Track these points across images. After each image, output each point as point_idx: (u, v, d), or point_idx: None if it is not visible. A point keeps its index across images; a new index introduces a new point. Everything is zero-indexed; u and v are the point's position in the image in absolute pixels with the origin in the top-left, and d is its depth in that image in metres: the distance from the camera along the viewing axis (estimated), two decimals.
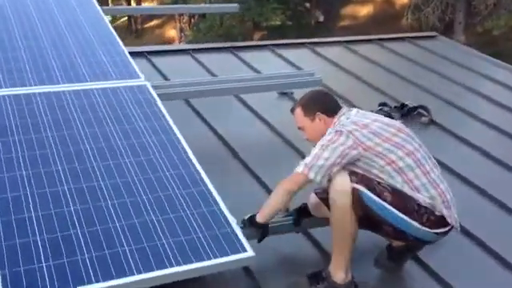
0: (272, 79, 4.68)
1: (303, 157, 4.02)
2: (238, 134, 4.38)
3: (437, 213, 2.71)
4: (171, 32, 27.62)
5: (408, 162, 2.71)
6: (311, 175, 2.72)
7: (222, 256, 2.68)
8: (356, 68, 5.94)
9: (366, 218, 2.72)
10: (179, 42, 24.94)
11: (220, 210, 2.95)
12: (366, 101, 5.12)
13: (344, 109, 2.94)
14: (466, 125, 4.91)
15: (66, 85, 3.85)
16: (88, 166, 3.11)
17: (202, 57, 5.83)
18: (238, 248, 2.73)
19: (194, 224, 2.83)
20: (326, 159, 2.70)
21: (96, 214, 2.79)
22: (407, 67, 6.09)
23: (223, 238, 2.78)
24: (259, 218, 2.86)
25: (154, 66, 5.52)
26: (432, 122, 4.91)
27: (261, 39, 20.61)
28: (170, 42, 25.98)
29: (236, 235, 2.80)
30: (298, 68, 5.70)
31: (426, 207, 2.70)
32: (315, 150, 2.75)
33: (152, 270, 2.55)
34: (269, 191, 3.67)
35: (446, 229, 2.77)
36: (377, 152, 2.71)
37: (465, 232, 3.30)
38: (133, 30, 27.84)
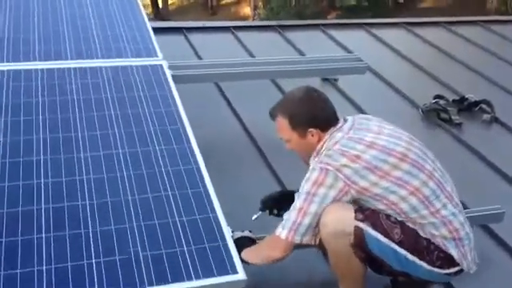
0: (313, 63, 4.16)
1: None
2: (266, 124, 3.88)
3: (445, 249, 2.17)
4: (246, 10, 27.22)
5: (413, 204, 2.13)
6: (297, 239, 2.19)
7: (206, 276, 2.23)
8: (415, 53, 5.29)
9: (367, 259, 2.19)
10: (252, 20, 24.54)
11: (215, 217, 2.49)
12: (421, 91, 4.53)
13: (340, 121, 2.29)
14: None
15: (74, 61, 3.47)
16: (74, 158, 2.73)
17: (245, 35, 5.34)
18: (228, 268, 2.28)
19: (181, 234, 2.39)
20: (313, 215, 2.15)
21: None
22: (475, 55, 5.37)
23: (212, 253, 2.32)
24: (243, 256, 2.37)
25: (189, 43, 5.10)
26: (495, 119, 4.26)
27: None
28: (244, 19, 25.61)
29: (228, 251, 2.34)
30: (349, 51, 5.12)
31: (434, 243, 2.16)
32: (299, 202, 2.17)
33: None
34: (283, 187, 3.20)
35: (459, 268, 2.21)
36: (373, 194, 2.14)
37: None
38: (209, 6, 27.60)
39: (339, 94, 4.45)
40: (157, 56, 3.66)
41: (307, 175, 2.18)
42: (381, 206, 2.13)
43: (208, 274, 2.23)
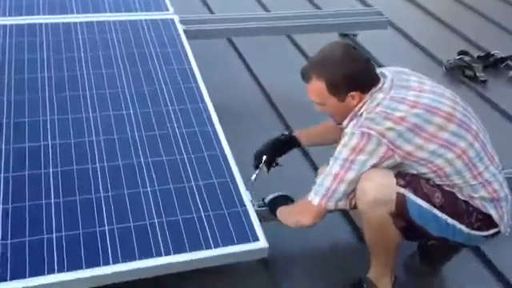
0: (331, 17, 3.94)
1: None
2: (282, 82, 3.70)
3: (484, 211, 2.01)
4: None
5: (458, 167, 1.95)
6: (330, 205, 2.01)
7: (225, 244, 2.10)
8: (438, 7, 5.02)
9: (405, 227, 2.03)
10: None
11: (234, 182, 2.34)
12: (444, 48, 4.30)
13: (380, 80, 2.04)
14: None
15: (80, 15, 3.29)
16: (83, 118, 2.57)
17: None
18: (248, 236, 2.14)
19: (198, 199, 2.24)
20: (350, 183, 1.97)
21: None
22: (502, 9, 5.10)
23: (231, 220, 2.18)
24: (278, 214, 2.24)
25: None
26: None
27: None
28: None
29: (248, 218, 2.20)
30: (367, 5, 4.88)
31: (473, 206, 2.00)
32: (335, 167, 1.98)
33: (132, 258, 2.00)
34: (304, 153, 3.04)
35: (496, 230, 2.05)
36: (418, 158, 1.95)
37: None
38: None
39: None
40: (167, 10, 3.47)
41: (345, 140, 1.98)
42: (424, 170, 1.97)
43: (228, 241, 2.10)
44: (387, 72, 2.08)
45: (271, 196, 2.32)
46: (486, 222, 2.01)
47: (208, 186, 2.30)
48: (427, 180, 1.98)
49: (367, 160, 1.94)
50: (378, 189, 1.93)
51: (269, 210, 2.28)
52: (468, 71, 4.02)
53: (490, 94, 3.80)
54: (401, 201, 1.94)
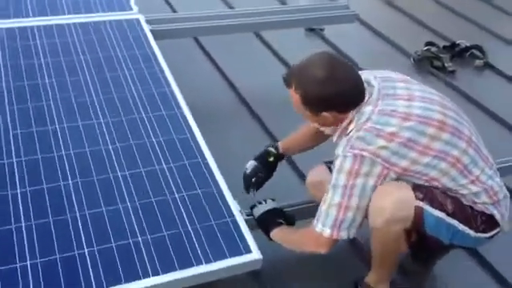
0: (298, 13, 3.83)
1: None
2: (254, 80, 3.58)
3: (487, 212, 1.94)
4: None
5: (453, 176, 1.88)
6: (343, 235, 1.91)
7: (217, 259, 1.96)
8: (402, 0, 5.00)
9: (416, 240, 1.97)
10: None
11: (219, 191, 2.21)
12: (411, 39, 4.27)
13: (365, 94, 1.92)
14: None
15: (37, 18, 3.07)
16: (49, 131, 2.38)
17: None
18: (240, 248, 2.01)
19: (183, 211, 2.10)
20: (355, 209, 1.87)
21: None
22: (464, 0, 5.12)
23: (220, 232, 2.05)
24: (273, 237, 2.13)
25: None
26: (487, 65, 4.06)
27: None
28: None
29: (239, 229, 2.07)
30: None
31: (477, 210, 1.94)
32: (336, 197, 1.86)
33: (117, 282, 1.84)
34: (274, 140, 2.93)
35: (498, 229, 1.99)
36: (414, 172, 1.87)
37: None
38: None
39: (326, 45, 4.15)
40: (131, 9, 3.29)
41: (338, 164, 1.87)
42: (420, 183, 1.89)
43: (219, 256, 1.96)
44: (373, 80, 1.95)
45: (260, 210, 2.18)
46: (490, 222, 1.95)
47: (193, 197, 2.16)
48: (437, 188, 1.90)
49: (366, 182, 1.84)
50: (397, 205, 1.84)
51: (259, 227, 2.15)
52: (436, 62, 4.00)
53: (459, 84, 3.79)
54: (418, 214, 1.85)
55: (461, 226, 1.89)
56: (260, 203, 2.21)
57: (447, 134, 1.86)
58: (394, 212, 1.84)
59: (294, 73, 1.93)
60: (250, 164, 2.31)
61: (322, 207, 1.93)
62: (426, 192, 1.87)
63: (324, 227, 1.91)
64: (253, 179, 2.27)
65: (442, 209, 1.87)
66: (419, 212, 1.85)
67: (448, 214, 1.87)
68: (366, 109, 1.87)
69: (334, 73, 1.85)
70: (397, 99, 1.89)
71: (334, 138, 1.98)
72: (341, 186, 1.86)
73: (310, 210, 2.28)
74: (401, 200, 1.84)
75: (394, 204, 1.83)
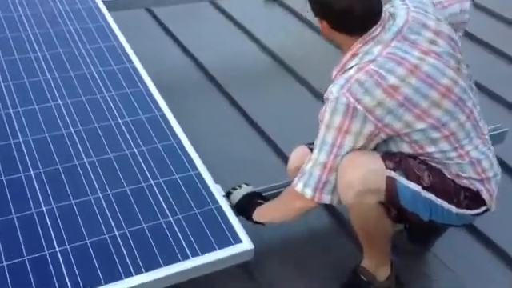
0: None
1: (300, 82, 3.16)
2: (215, 51, 3.36)
3: (473, 188, 1.81)
4: None
5: (443, 148, 1.74)
6: (326, 199, 1.77)
7: (205, 252, 1.78)
8: None
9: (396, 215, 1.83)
10: None
11: (199, 175, 2.02)
12: None
13: (377, 26, 1.70)
14: None
15: None
16: (2, 116, 2.11)
17: None
18: (229, 238, 1.83)
19: (162, 201, 1.90)
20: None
21: None
22: None
23: (205, 222, 1.86)
24: (256, 217, 1.95)
25: None
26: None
27: None
28: None
29: (225, 217, 1.90)
30: None
31: (460, 184, 1.80)
32: (322, 155, 1.72)
33: (96, 284, 1.64)
34: (255, 127, 2.75)
35: (485, 207, 1.87)
36: (403, 135, 1.72)
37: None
38: None
39: (288, 12, 3.96)
40: None
41: (330, 106, 1.68)
42: (405, 149, 1.75)
43: (207, 248, 1.78)
44: (403, 12, 1.76)
45: (237, 196, 2.01)
46: (475, 199, 1.81)
47: (171, 184, 1.95)
48: (414, 158, 1.76)
49: (355, 142, 1.69)
50: (366, 175, 1.69)
51: (239, 213, 1.96)
52: None
53: None
54: (390, 185, 1.71)
55: (438, 201, 1.75)
56: (234, 189, 2.04)
57: (450, 102, 1.72)
58: (364, 183, 1.69)
59: None
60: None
61: (306, 166, 1.76)
62: (399, 162, 1.73)
63: (305, 187, 1.76)
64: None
65: (417, 181, 1.73)
66: (391, 183, 1.71)
67: (424, 188, 1.73)
68: (375, 48, 1.69)
69: None
70: (413, 48, 1.70)
71: (334, 73, 1.79)
72: (328, 143, 1.70)
73: None
74: (370, 170, 1.70)
75: (362, 175, 1.69)
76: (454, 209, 1.79)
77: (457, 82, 1.75)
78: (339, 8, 1.69)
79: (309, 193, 1.76)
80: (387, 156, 1.74)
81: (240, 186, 2.04)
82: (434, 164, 1.77)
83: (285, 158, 2.39)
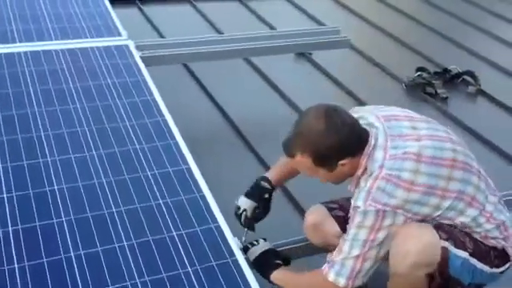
0: (288, 38, 3.78)
1: None
2: (245, 107, 3.52)
3: (499, 247, 1.90)
4: None
5: (473, 214, 1.84)
6: (358, 283, 1.85)
7: None
8: (389, 23, 4.98)
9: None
10: None
11: (218, 228, 2.12)
12: (402, 64, 4.25)
13: (370, 137, 1.82)
14: None
15: (24, 44, 2.98)
16: (41, 164, 2.28)
17: (205, 7, 4.89)
18: None
19: (182, 252, 2.01)
20: (374, 259, 1.82)
21: None
22: (453, 25, 5.12)
23: (222, 274, 1.96)
24: (275, 281, 2.01)
25: (146, 18, 4.61)
26: (480, 91, 4.03)
27: None
28: None
29: (241, 270, 1.99)
30: (320, 23, 4.78)
31: (489, 245, 1.89)
32: (355, 250, 1.80)
33: None
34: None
35: (509, 264, 1.95)
36: (434, 217, 1.82)
37: None
38: None
39: (315, 69, 4.11)
40: (120, 35, 3.21)
41: (358, 219, 1.79)
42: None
43: None
44: (376, 121, 1.87)
45: (255, 252, 2.07)
46: (502, 256, 1.90)
47: (191, 236, 2.07)
48: (455, 227, 1.84)
49: (388, 233, 1.78)
50: (424, 249, 1.77)
51: (256, 270, 2.04)
52: (429, 88, 3.98)
53: (452, 111, 3.77)
54: (444, 256, 1.78)
55: (479, 265, 1.84)
56: (252, 244, 2.11)
57: (460, 170, 1.81)
58: (420, 256, 1.77)
59: (295, 139, 1.83)
60: (245, 202, 2.16)
61: (337, 257, 1.84)
62: (448, 231, 1.82)
63: (338, 277, 1.84)
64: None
65: (464, 248, 1.81)
66: (444, 253, 1.79)
67: (470, 254, 1.82)
68: (377, 154, 1.80)
69: (333, 120, 1.79)
70: (406, 140, 1.82)
71: (351, 188, 1.89)
72: (361, 239, 1.80)
73: (305, 249, 2.26)
74: (428, 243, 1.77)
75: (419, 247, 1.76)
76: (489, 269, 1.88)
77: (455, 149, 1.85)
78: (346, 139, 1.79)
79: (342, 281, 1.83)
80: (438, 226, 1.82)
81: (257, 241, 2.12)
82: (467, 231, 1.87)
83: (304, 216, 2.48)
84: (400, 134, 1.84)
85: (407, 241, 1.76)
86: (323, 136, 1.78)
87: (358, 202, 1.79)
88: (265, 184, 2.17)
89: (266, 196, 2.17)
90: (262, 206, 2.18)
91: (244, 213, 2.13)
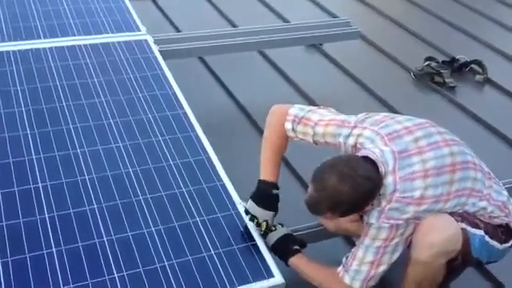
0: (301, 30, 3.90)
1: None
2: (259, 96, 3.64)
3: (504, 223, 2.07)
4: None
5: (475, 203, 2.00)
6: (372, 284, 2.01)
7: (241, 284, 2.02)
8: (398, 13, 5.07)
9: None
10: None
11: (239, 214, 2.27)
12: (411, 54, 4.34)
13: (381, 167, 1.90)
14: None
15: (49, 40, 3.11)
16: (71, 155, 2.42)
17: (220, 1, 5.00)
18: (263, 272, 2.07)
19: (206, 237, 2.15)
20: (387, 263, 1.98)
21: None
22: (461, 14, 5.20)
23: (243, 257, 2.11)
24: (293, 265, 2.15)
25: (162, 12, 4.72)
26: (487, 80, 4.13)
27: None
28: None
29: (260, 253, 2.13)
30: (331, 14, 4.88)
31: (495, 224, 2.07)
32: (369, 256, 1.96)
33: None
34: (293, 172, 2.98)
35: None
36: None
37: None
38: None
39: (327, 60, 4.22)
40: (139, 30, 3.34)
41: (372, 233, 1.94)
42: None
43: (243, 281, 2.02)
44: (382, 144, 1.96)
45: (274, 237, 2.19)
46: (507, 232, 2.06)
47: (213, 222, 2.21)
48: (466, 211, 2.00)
49: (400, 240, 1.95)
50: (449, 239, 1.92)
51: (275, 254, 2.17)
52: (437, 77, 4.07)
53: (460, 100, 3.86)
54: (465, 236, 1.94)
55: (492, 242, 2.00)
56: (271, 230, 2.21)
57: (459, 172, 1.96)
58: (445, 245, 1.91)
59: (323, 204, 1.91)
60: (264, 213, 2.20)
61: (353, 263, 1.99)
62: (461, 215, 1.97)
63: (354, 280, 1.99)
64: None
65: (478, 227, 1.98)
66: (464, 234, 1.94)
67: (485, 232, 1.98)
68: (389, 180, 1.90)
69: (353, 178, 1.86)
70: (410, 156, 1.93)
71: (366, 211, 1.99)
72: (375, 247, 1.95)
73: (319, 233, 2.41)
74: (452, 234, 1.92)
75: (445, 238, 1.90)
76: (500, 246, 2.04)
77: (452, 152, 1.98)
78: (369, 193, 1.89)
79: (357, 284, 1.99)
80: (450, 213, 1.96)
81: (275, 227, 2.24)
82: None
83: None
84: (405, 150, 1.94)
85: (432, 232, 1.90)
86: (351, 197, 1.87)
87: (372, 219, 1.94)
88: (275, 191, 2.24)
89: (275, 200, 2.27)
90: (272, 209, 2.25)
91: (264, 223, 2.20)
